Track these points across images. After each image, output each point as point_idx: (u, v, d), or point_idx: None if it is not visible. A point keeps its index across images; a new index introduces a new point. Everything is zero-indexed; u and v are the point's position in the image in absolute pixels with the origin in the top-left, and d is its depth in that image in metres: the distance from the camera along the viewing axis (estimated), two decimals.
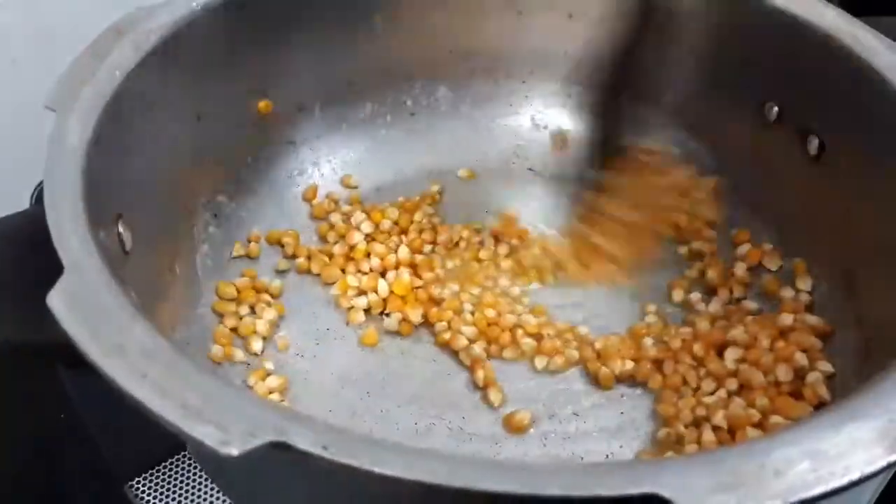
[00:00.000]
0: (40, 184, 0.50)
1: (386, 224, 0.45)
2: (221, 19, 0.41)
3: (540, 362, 0.40)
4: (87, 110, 0.34)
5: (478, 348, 0.40)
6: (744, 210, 0.45)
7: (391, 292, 0.43)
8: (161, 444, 0.44)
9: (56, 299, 0.27)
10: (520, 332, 0.41)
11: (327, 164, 0.48)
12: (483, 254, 0.45)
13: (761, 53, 0.43)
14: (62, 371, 0.41)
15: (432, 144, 0.49)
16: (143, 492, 0.41)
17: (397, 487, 0.23)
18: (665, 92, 0.47)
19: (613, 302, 0.43)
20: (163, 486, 0.42)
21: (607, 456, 0.37)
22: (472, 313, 0.42)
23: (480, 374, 0.39)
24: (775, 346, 0.39)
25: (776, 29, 0.42)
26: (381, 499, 0.25)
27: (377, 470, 0.22)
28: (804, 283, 0.41)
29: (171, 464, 0.43)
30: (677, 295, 0.43)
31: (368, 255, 0.44)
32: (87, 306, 0.27)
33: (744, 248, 0.44)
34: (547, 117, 0.50)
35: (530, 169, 0.49)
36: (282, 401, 0.39)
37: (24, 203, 0.51)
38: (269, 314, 0.41)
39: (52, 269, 0.28)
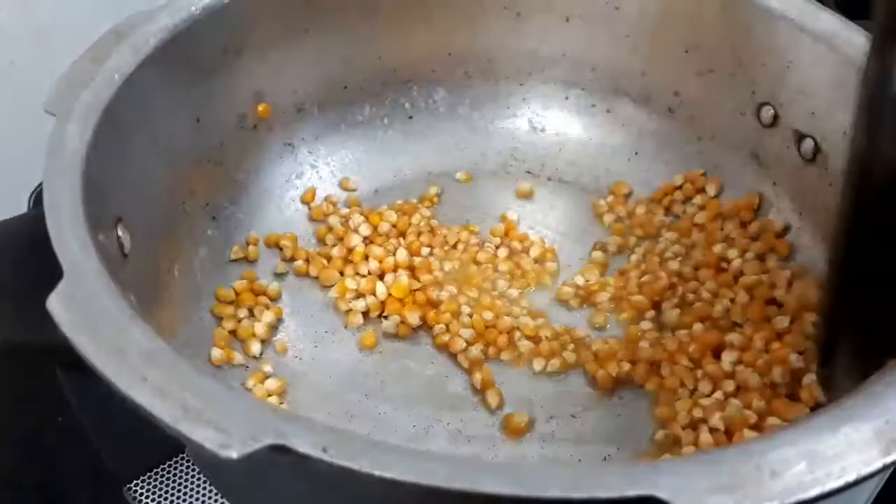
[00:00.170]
0: (39, 185, 0.50)
1: (384, 227, 0.45)
2: (220, 22, 0.41)
3: (538, 364, 0.40)
4: (86, 114, 0.34)
5: (476, 350, 0.40)
6: None
7: (389, 295, 0.43)
8: (159, 446, 0.44)
9: (56, 303, 0.27)
10: (517, 334, 0.41)
11: (325, 166, 0.48)
12: (481, 256, 0.45)
13: (757, 56, 0.43)
14: (60, 373, 0.41)
15: (430, 147, 0.50)
16: (142, 494, 0.41)
17: (397, 490, 0.23)
18: (661, 94, 0.48)
19: None
20: (161, 489, 0.42)
21: (605, 458, 0.37)
22: (470, 315, 0.42)
23: (478, 376, 0.40)
24: (770, 347, 0.39)
25: (771, 31, 0.42)
26: (380, 501, 0.26)
27: (377, 472, 0.23)
28: (801, 286, 0.41)
29: (170, 466, 0.43)
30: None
31: (366, 257, 0.44)
32: (86, 310, 0.27)
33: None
34: (545, 119, 0.50)
35: (528, 171, 0.49)
36: (280, 403, 0.39)
37: (22, 205, 0.51)
38: (268, 317, 0.42)
39: (50, 271, 0.28)
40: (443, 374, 0.41)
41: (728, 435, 0.36)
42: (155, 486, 0.42)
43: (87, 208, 0.31)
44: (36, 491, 0.41)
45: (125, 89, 0.36)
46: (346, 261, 0.44)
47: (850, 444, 0.24)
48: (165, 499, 0.41)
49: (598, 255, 0.45)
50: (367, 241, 0.45)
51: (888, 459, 0.24)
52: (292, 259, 0.44)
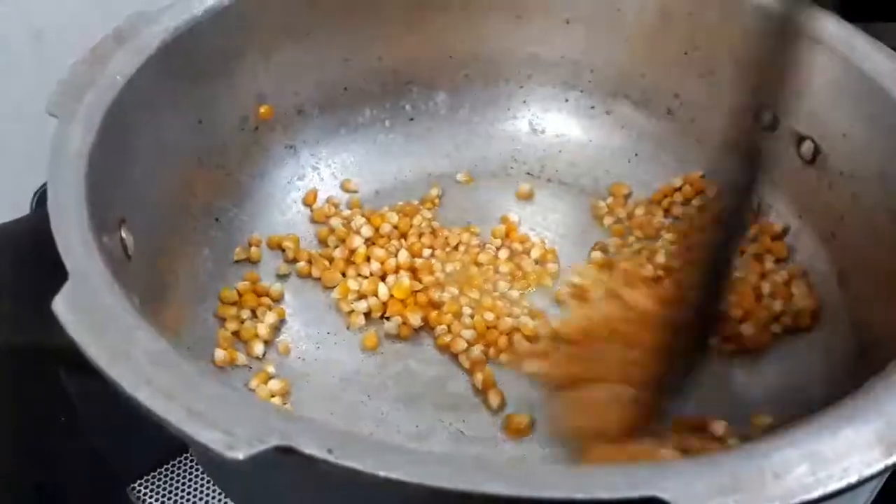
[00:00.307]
0: (41, 187, 0.50)
1: (386, 228, 0.46)
2: (222, 24, 0.41)
3: (531, 366, 0.40)
4: (89, 116, 0.34)
5: (477, 351, 0.41)
6: None
7: (391, 296, 0.43)
8: (163, 446, 0.44)
9: (61, 305, 0.27)
10: (518, 335, 0.41)
11: (327, 168, 0.48)
12: (482, 257, 0.45)
13: (755, 58, 0.43)
14: (63, 373, 0.41)
15: (431, 149, 0.50)
16: (146, 494, 0.42)
17: (401, 490, 0.23)
18: (660, 96, 0.48)
19: None
20: (165, 489, 0.42)
21: None
22: (472, 316, 0.42)
23: (480, 376, 0.40)
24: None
25: (771, 33, 0.42)
26: (384, 501, 0.26)
27: (382, 473, 0.23)
28: (799, 288, 0.42)
29: (174, 466, 0.43)
30: None
31: (368, 259, 0.44)
32: (91, 312, 0.27)
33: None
34: (545, 122, 0.50)
35: (528, 173, 0.50)
36: (283, 404, 0.39)
37: (25, 206, 0.52)
38: (271, 318, 0.42)
39: (53, 272, 0.29)
40: (444, 374, 0.41)
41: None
42: (158, 486, 0.42)
43: (91, 210, 0.31)
44: (39, 491, 0.42)
45: (127, 91, 0.36)
46: (348, 262, 0.44)
47: (851, 446, 0.24)
48: (169, 498, 0.41)
49: (597, 255, 0.45)
50: (369, 242, 0.45)
51: (889, 461, 0.24)
52: (294, 260, 0.45)
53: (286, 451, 0.23)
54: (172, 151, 0.40)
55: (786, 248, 0.44)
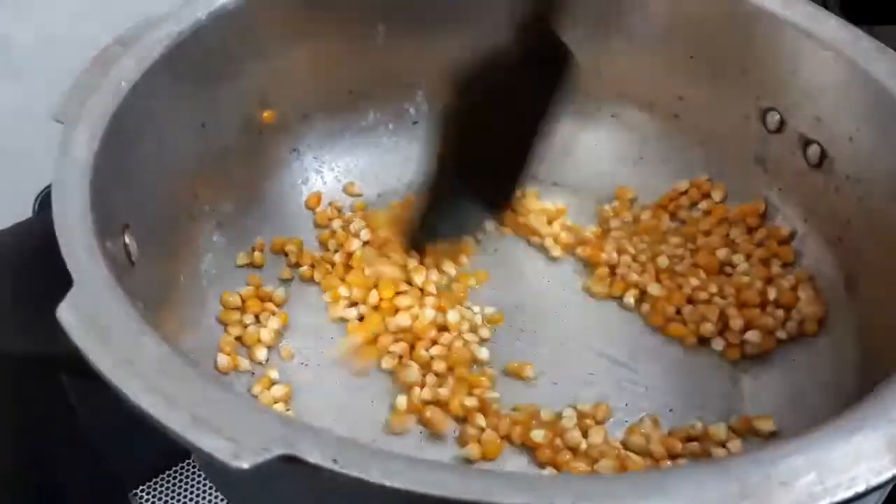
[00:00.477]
0: (45, 189, 0.50)
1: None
2: (225, 29, 0.41)
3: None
4: (93, 122, 0.34)
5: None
6: None
7: (381, 300, 0.42)
8: (165, 451, 0.44)
9: (66, 313, 0.27)
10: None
11: (330, 172, 0.48)
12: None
13: (762, 61, 0.43)
14: (66, 378, 0.41)
15: (435, 152, 0.49)
16: (148, 500, 0.42)
17: (406, 500, 0.23)
18: (666, 99, 0.48)
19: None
20: (167, 494, 0.42)
21: None
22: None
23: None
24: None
25: (777, 37, 0.42)
26: None
27: (387, 483, 0.23)
28: (805, 293, 0.41)
29: (176, 472, 0.43)
30: None
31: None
32: (96, 319, 0.27)
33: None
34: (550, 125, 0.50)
35: (533, 176, 0.49)
36: (286, 409, 0.39)
37: (27, 209, 0.52)
38: (274, 323, 0.42)
39: (56, 276, 0.29)
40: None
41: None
42: (161, 492, 0.42)
43: (95, 216, 0.31)
44: (41, 497, 0.42)
45: (131, 97, 0.36)
46: (347, 266, 0.44)
47: (859, 454, 0.24)
48: None
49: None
50: (368, 245, 0.45)
51: None
52: (297, 265, 0.44)
53: (290, 460, 0.23)
54: (176, 156, 0.40)
55: (792, 253, 0.43)
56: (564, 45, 0.40)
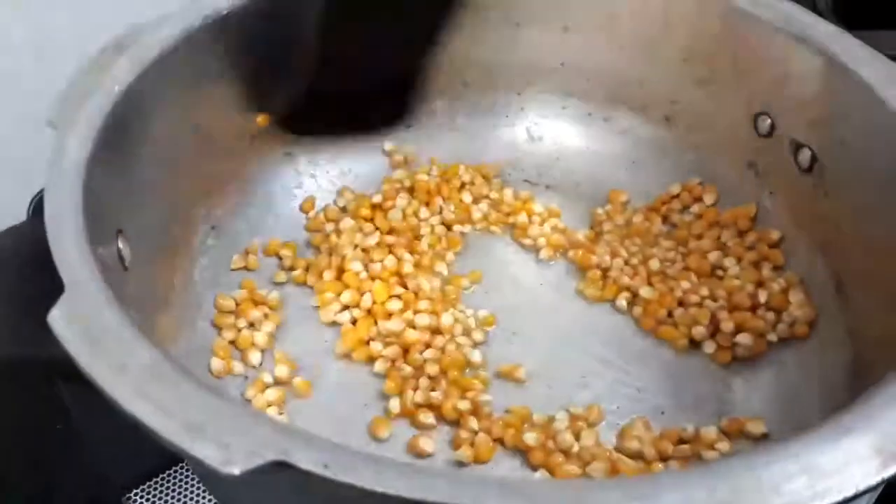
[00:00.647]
0: (38, 194, 0.50)
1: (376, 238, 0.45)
2: (220, 33, 0.41)
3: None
4: (86, 126, 0.34)
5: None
6: None
7: (374, 303, 0.42)
8: (158, 456, 0.44)
9: (57, 318, 0.27)
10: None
11: (324, 175, 0.48)
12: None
13: (754, 66, 0.43)
14: (60, 382, 0.41)
15: (429, 156, 0.50)
16: (142, 503, 0.42)
17: None
18: (658, 103, 0.48)
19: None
20: (161, 498, 0.42)
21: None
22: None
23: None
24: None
25: (769, 42, 0.42)
26: None
27: (379, 489, 0.23)
28: (796, 296, 0.42)
29: (170, 475, 0.43)
30: None
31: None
32: (88, 325, 0.27)
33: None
34: (543, 129, 0.50)
35: (526, 180, 0.50)
36: (280, 413, 0.39)
37: (21, 212, 0.51)
38: (268, 326, 0.42)
39: (50, 282, 0.29)
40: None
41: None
42: (154, 495, 0.42)
43: (88, 221, 0.31)
44: (35, 500, 0.41)
45: (125, 100, 0.36)
46: (339, 269, 0.44)
47: (849, 458, 0.24)
48: None
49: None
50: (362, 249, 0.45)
51: (887, 473, 0.24)
52: (291, 268, 0.44)
53: (282, 466, 0.23)
54: (169, 160, 0.40)
55: (783, 256, 0.44)
56: None
